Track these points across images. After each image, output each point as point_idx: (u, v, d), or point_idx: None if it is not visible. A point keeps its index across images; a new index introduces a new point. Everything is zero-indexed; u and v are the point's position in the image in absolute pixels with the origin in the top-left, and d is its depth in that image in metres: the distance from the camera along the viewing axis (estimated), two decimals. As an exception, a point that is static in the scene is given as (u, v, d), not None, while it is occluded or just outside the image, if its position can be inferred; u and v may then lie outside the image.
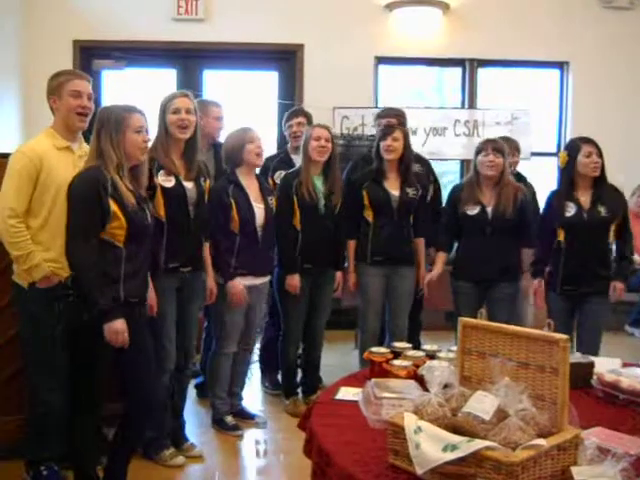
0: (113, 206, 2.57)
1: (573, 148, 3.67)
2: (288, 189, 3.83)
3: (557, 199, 3.75)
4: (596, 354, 3.40)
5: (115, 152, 2.62)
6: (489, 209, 3.82)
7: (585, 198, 3.65)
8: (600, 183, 3.65)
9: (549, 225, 3.76)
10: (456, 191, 4.00)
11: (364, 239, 4.00)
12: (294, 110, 4.64)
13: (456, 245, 4.08)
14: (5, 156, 2.98)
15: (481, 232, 3.83)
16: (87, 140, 2.89)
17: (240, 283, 3.54)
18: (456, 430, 1.68)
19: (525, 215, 3.88)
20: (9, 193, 2.81)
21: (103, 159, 2.62)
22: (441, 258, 4.00)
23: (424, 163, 4.46)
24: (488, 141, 3.94)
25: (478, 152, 3.86)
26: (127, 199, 2.61)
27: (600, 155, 3.60)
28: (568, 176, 3.70)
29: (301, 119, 4.40)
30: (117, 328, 2.59)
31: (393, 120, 4.24)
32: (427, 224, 4.15)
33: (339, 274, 4.02)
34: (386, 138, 3.91)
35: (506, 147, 3.92)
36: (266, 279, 3.75)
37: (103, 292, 2.57)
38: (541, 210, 4.32)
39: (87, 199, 2.56)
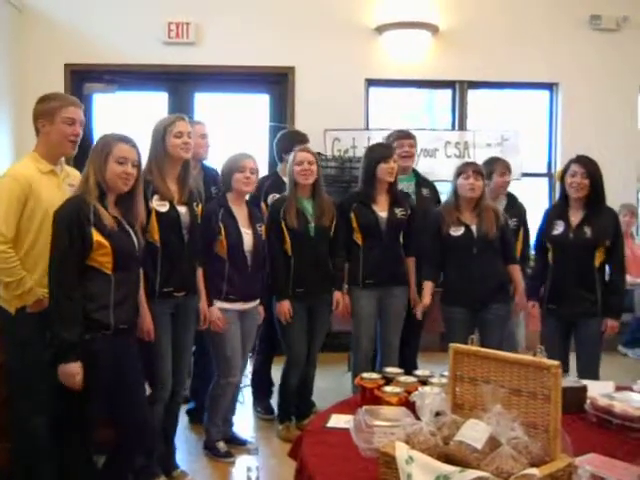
0: (96, 235, 2.57)
1: (566, 166, 3.70)
2: (276, 216, 3.82)
3: (549, 216, 3.80)
4: (596, 378, 3.37)
5: (96, 179, 2.63)
6: (473, 228, 3.81)
7: (575, 218, 3.66)
8: (592, 204, 3.63)
9: (542, 242, 3.80)
10: (434, 216, 3.94)
11: (355, 262, 3.97)
12: (299, 135, 4.56)
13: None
14: None
15: (468, 252, 3.79)
16: (80, 164, 2.86)
17: (218, 312, 3.50)
18: (448, 459, 1.67)
19: (506, 235, 3.89)
20: None
21: (86, 186, 2.64)
22: (429, 287, 3.92)
23: (431, 188, 4.51)
24: (468, 164, 3.94)
25: (458, 174, 3.85)
26: (109, 224, 2.61)
27: (590, 176, 3.59)
28: (562, 194, 3.74)
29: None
30: (70, 371, 2.56)
31: (413, 142, 4.36)
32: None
33: (338, 294, 3.96)
34: (388, 161, 3.90)
35: (484, 170, 3.93)
36: (255, 303, 3.72)
37: (70, 330, 2.54)
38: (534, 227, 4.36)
39: (68, 232, 2.55)
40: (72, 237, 2.55)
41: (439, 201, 4.47)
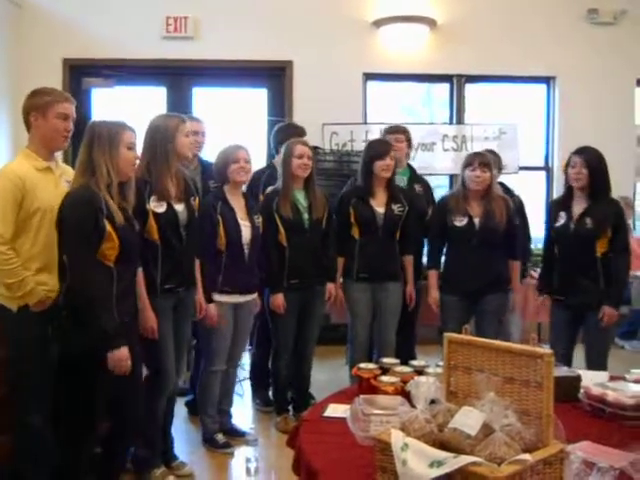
0: (108, 227, 2.57)
1: (569, 158, 3.71)
2: (269, 208, 3.84)
3: (553, 208, 3.82)
4: (603, 369, 3.37)
5: (108, 167, 2.62)
6: (476, 220, 3.84)
7: (578, 209, 3.66)
8: (595, 195, 3.63)
9: (550, 235, 3.82)
10: (443, 203, 4.00)
11: (350, 256, 4.00)
12: (296, 128, 4.59)
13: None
14: None
15: (467, 243, 3.83)
16: (76, 154, 2.85)
17: (215, 309, 3.51)
18: (443, 446, 1.69)
19: (512, 227, 3.91)
20: None
21: (95, 175, 2.61)
22: (434, 277, 3.98)
23: (425, 185, 4.54)
24: (476, 155, 3.96)
25: (465, 166, 3.88)
26: (118, 218, 2.62)
27: (589, 166, 3.59)
28: (566, 186, 3.77)
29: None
30: (121, 356, 2.60)
31: (401, 136, 4.37)
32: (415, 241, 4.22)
33: (330, 286, 4.00)
34: (385, 157, 3.93)
35: (493, 161, 3.95)
36: (253, 296, 3.74)
37: (110, 318, 2.58)
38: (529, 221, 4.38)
39: (85, 225, 2.55)
40: (87, 230, 2.54)
41: (432, 198, 4.50)
